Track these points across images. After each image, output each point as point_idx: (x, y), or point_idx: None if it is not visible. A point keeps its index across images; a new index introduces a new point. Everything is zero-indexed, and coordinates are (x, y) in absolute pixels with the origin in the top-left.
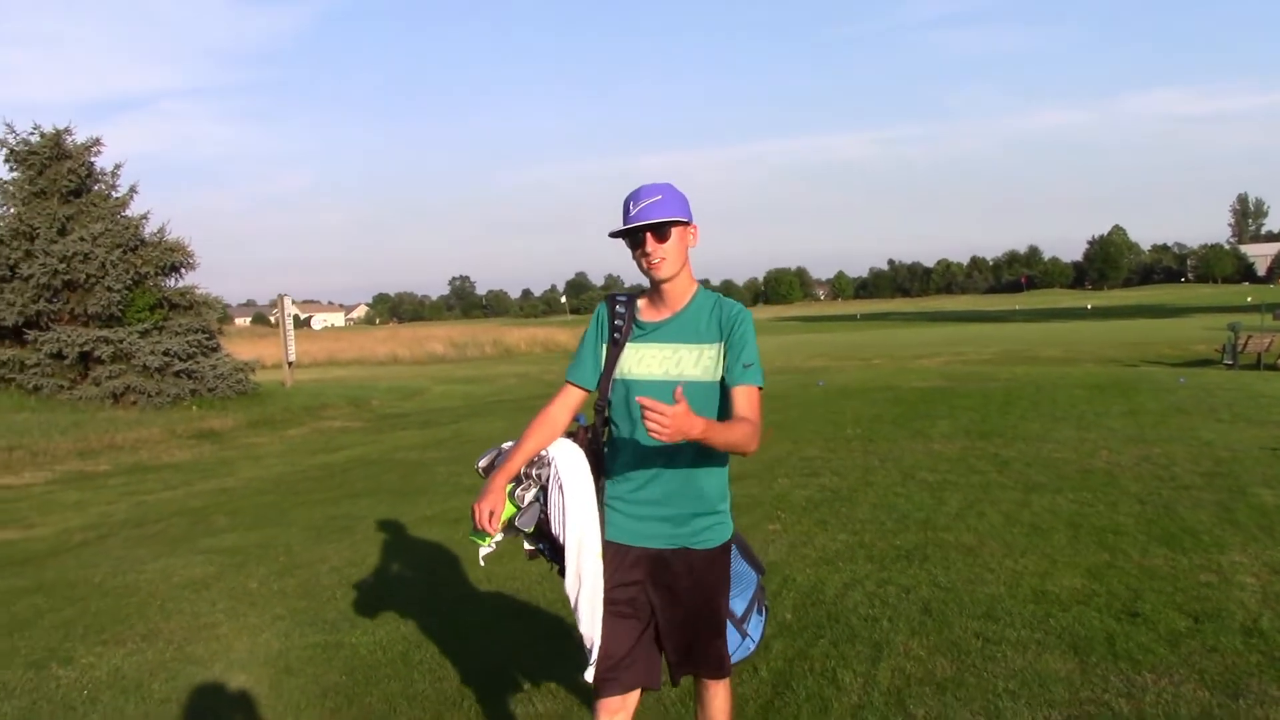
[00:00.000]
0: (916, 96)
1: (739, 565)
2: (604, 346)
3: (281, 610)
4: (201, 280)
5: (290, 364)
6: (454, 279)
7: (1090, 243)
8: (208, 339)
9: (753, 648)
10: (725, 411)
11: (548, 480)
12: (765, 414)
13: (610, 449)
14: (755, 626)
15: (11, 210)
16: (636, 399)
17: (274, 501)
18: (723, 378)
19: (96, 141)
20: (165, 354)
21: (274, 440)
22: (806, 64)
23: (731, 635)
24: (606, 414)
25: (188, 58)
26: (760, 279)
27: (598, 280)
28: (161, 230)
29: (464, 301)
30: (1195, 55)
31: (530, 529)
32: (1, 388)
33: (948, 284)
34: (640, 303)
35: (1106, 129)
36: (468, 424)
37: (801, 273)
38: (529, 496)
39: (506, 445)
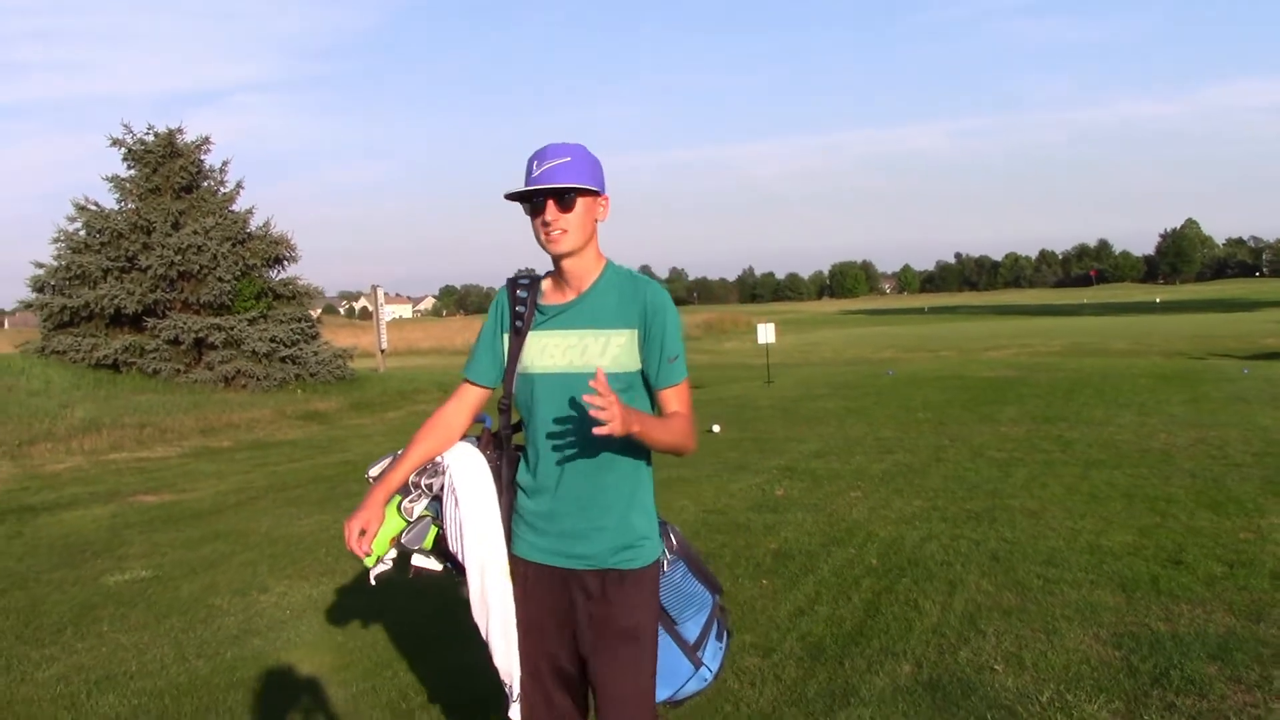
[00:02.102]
0: (985, 88)
1: (690, 585)
2: (505, 336)
3: None
4: (300, 271)
5: (383, 351)
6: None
7: (1162, 236)
8: (309, 327)
9: (709, 679)
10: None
11: (442, 490)
12: (840, 400)
13: (519, 453)
14: (713, 655)
15: (130, 205)
16: (590, 383)
17: None
18: (644, 374)
19: (206, 140)
20: (272, 341)
21: (375, 421)
22: (872, 55)
23: (683, 666)
24: (511, 414)
25: (262, 52)
26: (825, 272)
27: (662, 272)
28: (267, 224)
29: None
30: (1272, 45)
31: (418, 546)
32: (124, 371)
33: (1015, 277)
34: (544, 284)
35: (1181, 120)
36: None
37: (867, 265)
38: (418, 509)
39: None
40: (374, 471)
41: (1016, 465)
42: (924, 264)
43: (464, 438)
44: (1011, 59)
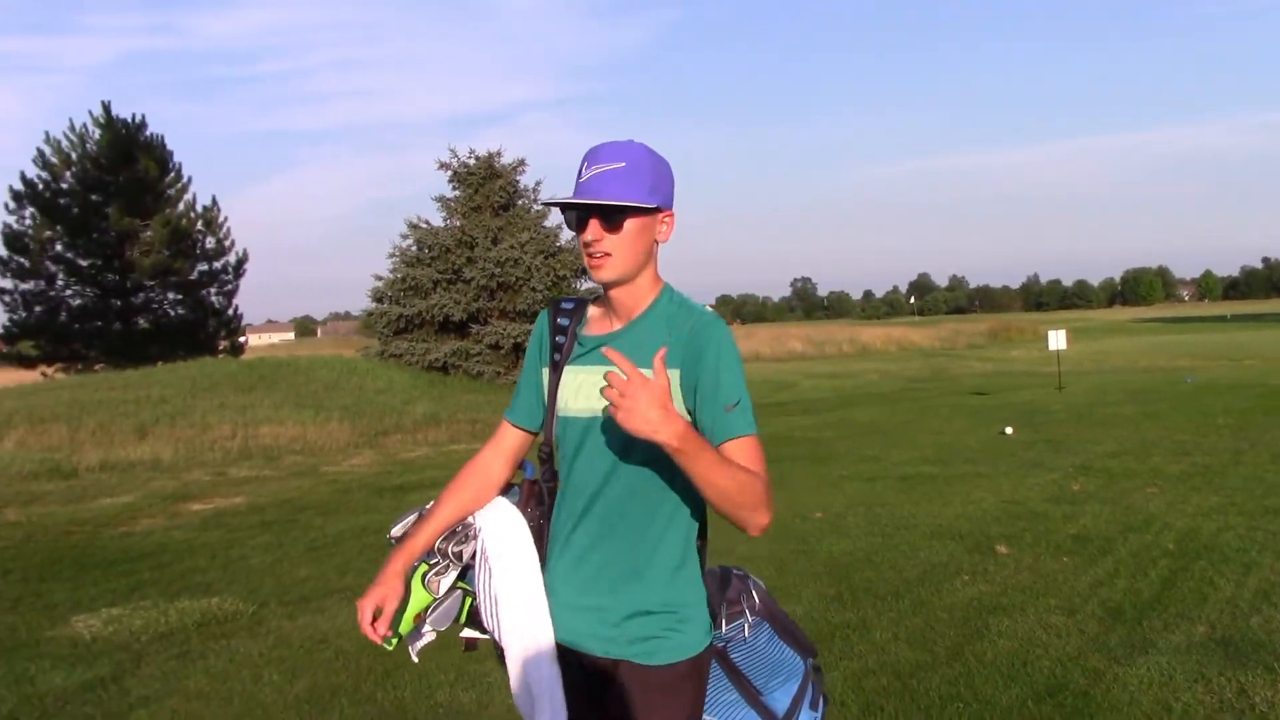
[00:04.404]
0: None
1: (777, 650)
2: (545, 370)
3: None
4: None
5: None
6: (795, 280)
7: None
8: None
9: None
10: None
11: (473, 558)
12: (1135, 406)
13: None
14: None
15: (456, 223)
16: (604, 350)
17: None
18: (697, 424)
19: (521, 162)
20: None
21: None
22: (1163, 48)
23: None
24: (554, 462)
25: (545, 73)
26: (1117, 279)
27: (941, 281)
28: (575, 238)
29: (805, 303)
30: None
31: (445, 627)
32: (452, 373)
33: None
34: (591, 310)
35: None
36: (848, 412)
37: (1163, 272)
38: (445, 583)
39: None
40: (396, 531)
41: None
42: (1227, 269)
43: (505, 491)
44: None
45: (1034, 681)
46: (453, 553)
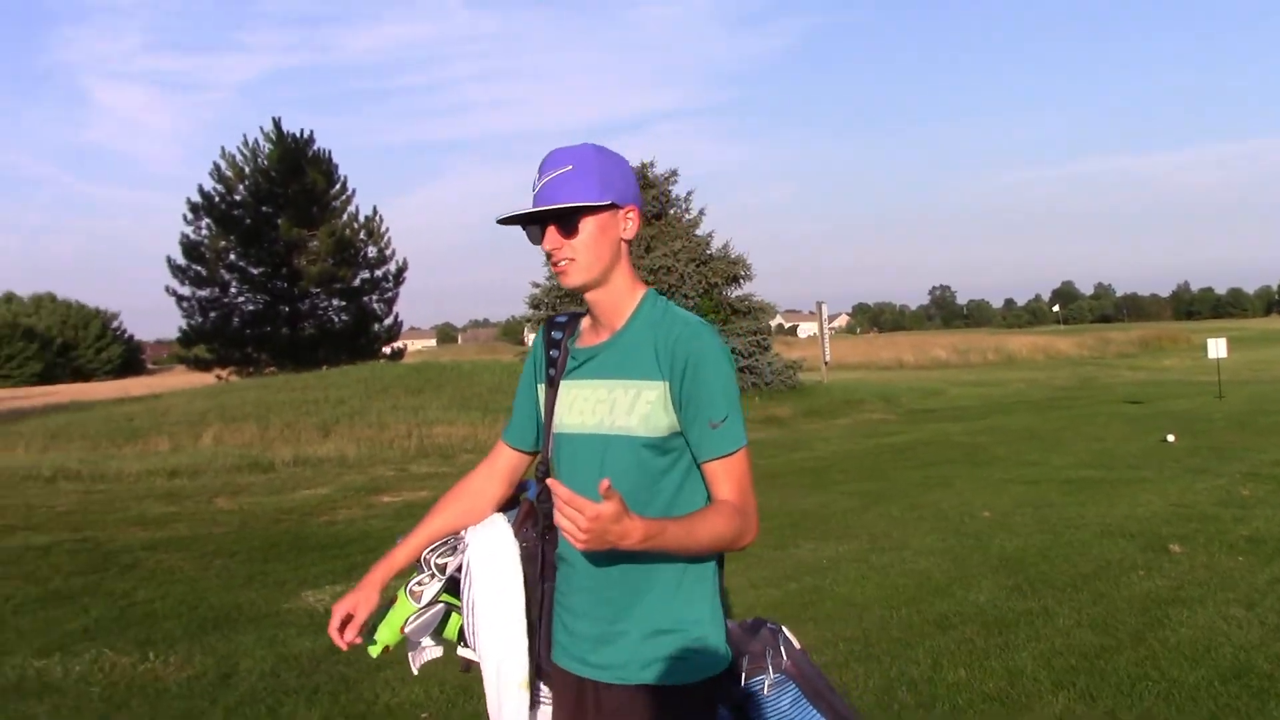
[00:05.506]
0: None
1: (804, 715)
2: (541, 388)
3: (927, 527)
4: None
5: (826, 364)
6: (934, 288)
7: None
8: (763, 340)
9: None
10: (690, 486)
11: (461, 572)
12: (1267, 415)
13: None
14: None
15: None
16: (548, 482)
17: (871, 465)
18: (685, 439)
19: (673, 173)
20: (731, 352)
21: (827, 427)
22: None
23: None
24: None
25: (681, 81)
26: (1274, 286)
27: (1086, 289)
28: (726, 246)
29: (944, 311)
30: None
31: (425, 638)
32: None
33: None
34: (583, 323)
35: None
36: (999, 419)
37: None
38: (428, 593)
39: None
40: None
41: None
42: None
43: (507, 510)
44: None
45: (1219, 665)
46: (436, 564)
